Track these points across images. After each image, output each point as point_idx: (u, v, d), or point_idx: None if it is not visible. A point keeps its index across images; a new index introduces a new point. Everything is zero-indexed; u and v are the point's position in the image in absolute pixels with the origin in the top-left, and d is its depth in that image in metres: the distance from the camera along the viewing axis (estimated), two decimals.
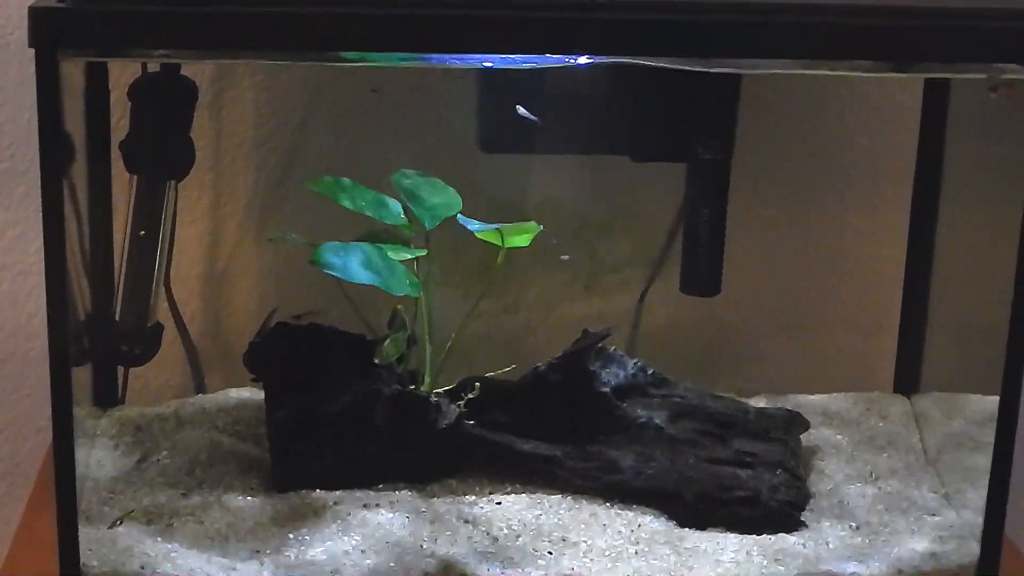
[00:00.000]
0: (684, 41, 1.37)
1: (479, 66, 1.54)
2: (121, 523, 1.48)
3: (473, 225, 1.52)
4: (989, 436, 1.46)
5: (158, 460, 1.59)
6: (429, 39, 1.36)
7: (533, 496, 1.56)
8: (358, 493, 1.54)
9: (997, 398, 1.45)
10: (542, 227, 1.53)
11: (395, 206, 1.56)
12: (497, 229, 1.52)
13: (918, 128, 1.72)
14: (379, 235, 1.54)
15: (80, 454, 1.42)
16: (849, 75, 1.71)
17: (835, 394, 1.77)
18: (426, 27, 1.35)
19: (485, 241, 1.54)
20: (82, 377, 1.60)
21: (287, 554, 1.45)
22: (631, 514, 1.54)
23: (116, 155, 1.63)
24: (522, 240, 1.54)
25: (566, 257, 1.60)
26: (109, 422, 1.66)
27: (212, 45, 1.37)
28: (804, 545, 1.50)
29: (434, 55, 1.42)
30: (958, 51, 1.39)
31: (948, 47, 1.38)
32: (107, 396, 1.70)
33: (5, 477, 1.85)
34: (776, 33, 1.37)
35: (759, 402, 1.70)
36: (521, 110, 1.58)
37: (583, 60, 1.39)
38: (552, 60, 1.40)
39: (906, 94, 1.76)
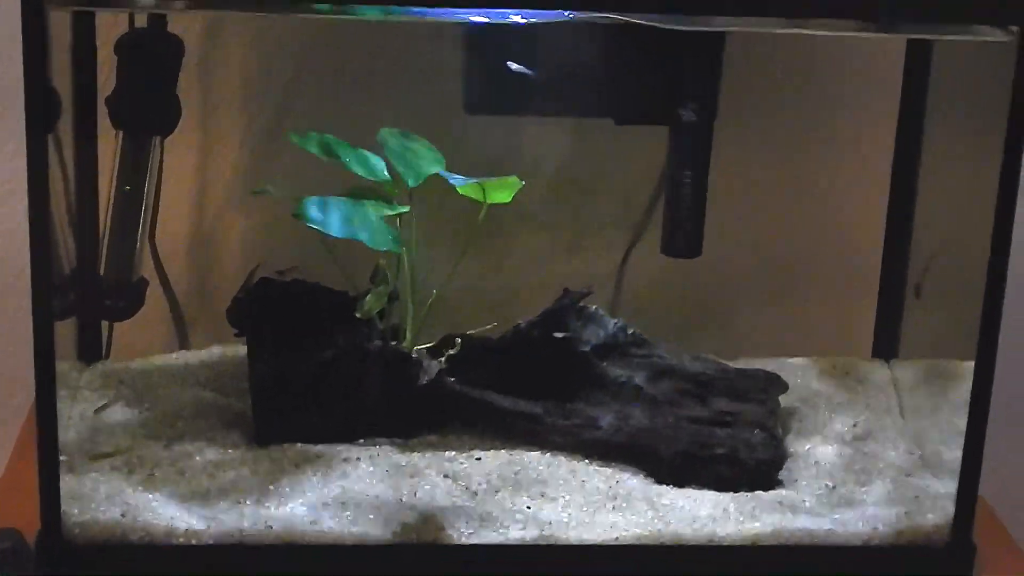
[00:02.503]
0: None
1: (464, 20, 1.56)
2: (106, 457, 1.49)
3: (456, 179, 1.53)
4: (964, 400, 1.47)
5: (140, 413, 1.60)
6: None
7: (512, 452, 1.57)
8: (339, 447, 1.55)
9: (973, 363, 1.47)
10: (523, 183, 1.54)
11: (379, 163, 1.56)
12: (479, 184, 1.52)
13: (899, 92, 1.73)
14: (363, 192, 1.55)
15: (62, 407, 1.43)
16: (831, 36, 1.72)
17: (815, 357, 1.79)
18: None
19: (468, 198, 1.55)
20: (66, 332, 1.61)
21: (267, 505, 1.46)
22: (610, 470, 1.55)
23: (102, 111, 1.63)
24: (504, 196, 1.54)
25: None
26: (92, 376, 1.67)
27: None
28: (781, 503, 1.51)
29: (417, 8, 1.43)
30: (938, 12, 1.40)
31: (928, 8, 1.39)
32: (91, 351, 1.71)
33: None
34: None
35: (739, 364, 1.71)
36: (513, 65, 1.59)
37: (566, 15, 1.40)
38: (536, 16, 1.41)
39: (889, 56, 1.77)
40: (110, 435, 1.55)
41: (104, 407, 1.53)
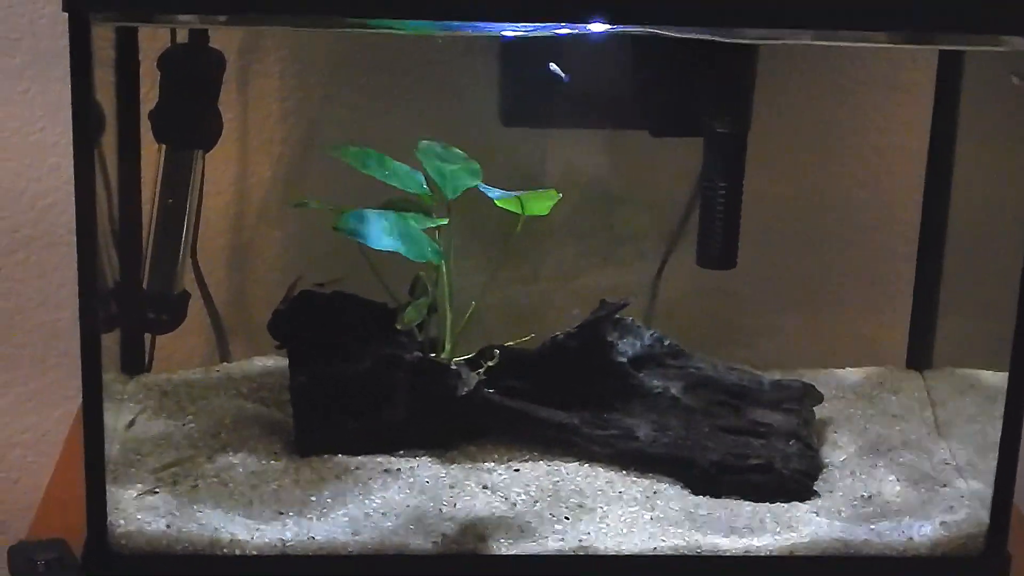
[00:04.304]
0: (700, 10, 1.40)
1: (498, 35, 1.57)
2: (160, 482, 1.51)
3: (493, 192, 1.54)
4: (999, 410, 1.48)
5: (183, 424, 1.62)
6: (450, 6, 1.38)
7: (550, 463, 1.58)
8: (379, 458, 1.56)
9: (1007, 373, 1.47)
10: (560, 195, 1.55)
11: (418, 176, 1.58)
12: (517, 197, 1.54)
13: (932, 103, 1.74)
14: (401, 204, 1.56)
15: (107, 419, 1.45)
16: (864, 47, 1.73)
17: (848, 368, 1.80)
18: None
19: (505, 210, 1.56)
20: (110, 344, 1.63)
21: (309, 516, 1.48)
22: (647, 481, 1.56)
23: (145, 125, 1.65)
24: (541, 208, 1.56)
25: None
26: (136, 388, 1.68)
27: (240, 8, 1.39)
28: (816, 513, 1.53)
29: (455, 23, 1.44)
30: (969, 22, 1.41)
31: (960, 17, 1.40)
32: (134, 363, 1.73)
33: (34, 446, 1.88)
34: (792, 2, 1.39)
35: (773, 375, 1.72)
36: (553, 67, 1.60)
37: (600, 29, 1.42)
38: (569, 28, 1.43)
39: (921, 68, 1.77)
40: (155, 446, 1.57)
41: (132, 422, 1.55)
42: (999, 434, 1.48)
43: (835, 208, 1.86)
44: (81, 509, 1.44)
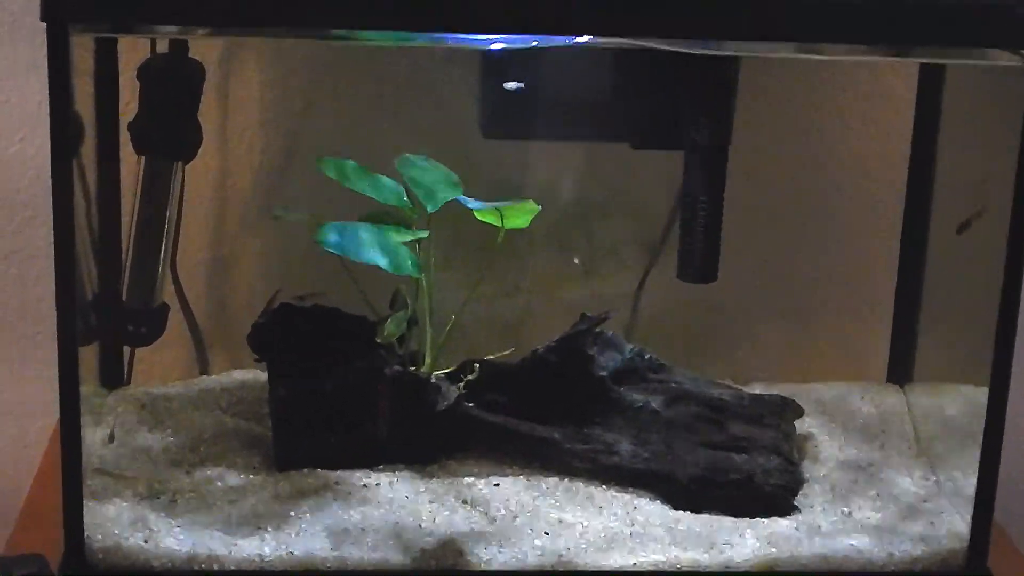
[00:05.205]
0: (680, 22, 1.40)
1: (478, 47, 1.57)
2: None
3: (473, 204, 1.54)
4: (979, 425, 1.48)
5: (162, 438, 1.61)
6: (430, 17, 1.37)
7: (531, 478, 1.58)
8: (358, 472, 1.56)
9: (987, 388, 1.48)
10: (540, 207, 1.55)
11: (398, 188, 1.58)
12: (496, 208, 1.53)
13: (912, 116, 1.74)
14: (381, 217, 1.56)
15: (85, 432, 1.44)
16: (844, 60, 1.73)
17: (829, 383, 1.79)
18: (427, 5, 1.36)
19: (486, 223, 1.56)
20: (88, 357, 1.62)
21: (287, 531, 1.47)
22: (627, 496, 1.56)
23: (125, 136, 1.64)
24: (521, 221, 1.55)
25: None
26: (115, 401, 1.68)
27: (219, 20, 1.39)
28: (797, 528, 1.52)
29: (434, 34, 1.44)
30: (951, 35, 1.41)
31: (941, 31, 1.41)
32: (113, 376, 1.72)
33: (12, 458, 1.87)
34: (772, 14, 1.39)
35: (754, 389, 1.72)
36: (511, 84, 1.61)
37: (580, 40, 1.42)
38: (551, 41, 1.43)
39: (901, 80, 1.77)
40: (132, 461, 1.57)
41: (112, 436, 1.55)
42: (979, 449, 1.48)
43: (816, 222, 1.86)
44: (59, 523, 1.43)
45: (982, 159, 1.59)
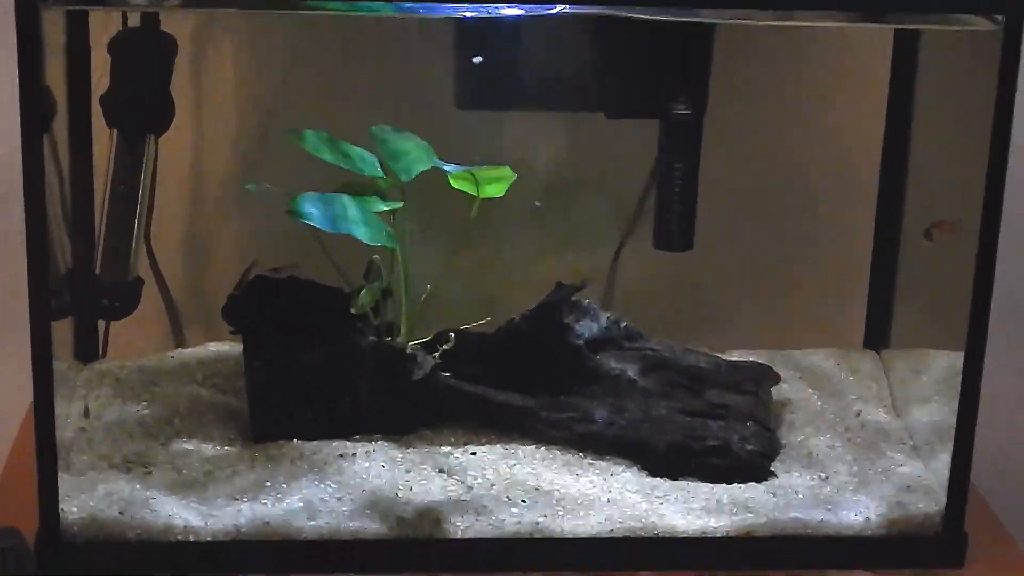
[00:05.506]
0: None
1: (454, 15, 1.56)
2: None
3: (449, 167, 1.53)
4: (956, 390, 1.49)
5: (137, 411, 1.61)
6: None
7: (507, 447, 1.58)
8: (334, 443, 1.56)
9: (962, 353, 1.48)
10: (516, 175, 1.54)
11: (372, 159, 1.57)
12: (472, 174, 1.53)
13: (888, 83, 1.74)
14: (356, 188, 1.56)
15: (60, 406, 1.44)
16: (819, 27, 1.73)
17: (806, 349, 1.80)
18: None
19: (461, 193, 1.55)
20: (63, 331, 1.62)
21: (264, 501, 1.47)
22: (604, 464, 1.56)
23: (97, 111, 1.64)
24: (497, 190, 1.55)
25: (538, 203, 1.62)
26: (90, 375, 1.68)
27: None
28: (774, 494, 1.53)
29: (409, 4, 1.44)
30: (927, 2, 1.41)
31: None
32: (88, 350, 1.72)
33: None
34: None
35: (731, 356, 1.72)
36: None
37: (556, 9, 1.41)
38: (528, 10, 1.43)
39: (878, 49, 1.77)
40: (107, 432, 1.56)
41: (87, 410, 1.55)
42: (956, 414, 1.49)
43: (792, 190, 1.86)
44: (35, 497, 1.43)
45: (956, 127, 1.59)
